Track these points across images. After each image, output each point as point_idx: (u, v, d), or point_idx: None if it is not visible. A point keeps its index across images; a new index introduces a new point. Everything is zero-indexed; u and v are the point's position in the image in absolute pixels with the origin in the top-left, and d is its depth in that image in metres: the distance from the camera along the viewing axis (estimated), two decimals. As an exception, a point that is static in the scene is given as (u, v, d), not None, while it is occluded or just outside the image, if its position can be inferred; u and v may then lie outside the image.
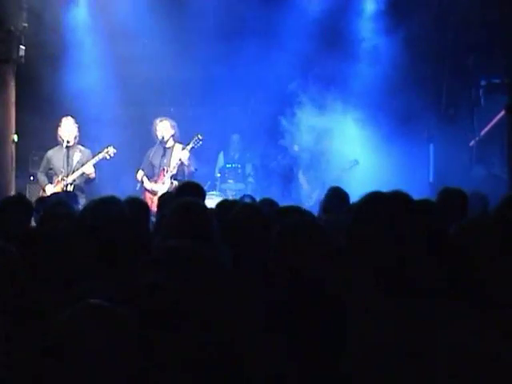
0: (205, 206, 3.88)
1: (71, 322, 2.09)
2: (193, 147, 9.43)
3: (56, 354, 2.05)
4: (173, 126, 9.57)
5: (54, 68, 10.81)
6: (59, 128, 9.29)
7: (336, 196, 5.51)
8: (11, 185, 9.89)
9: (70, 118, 9.34)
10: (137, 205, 5.20)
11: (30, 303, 2.90)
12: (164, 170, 9.45)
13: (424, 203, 3.78)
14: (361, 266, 2.74)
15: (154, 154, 9.56)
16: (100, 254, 3.39)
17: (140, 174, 9.57)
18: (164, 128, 9.53)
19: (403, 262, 2.69)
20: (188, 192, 5.19)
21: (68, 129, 9.24)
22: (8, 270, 2.88)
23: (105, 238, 3.49)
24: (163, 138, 9.48)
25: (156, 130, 9.58)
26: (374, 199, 2.94)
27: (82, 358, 2.03)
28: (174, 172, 9.39)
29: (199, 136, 9.47)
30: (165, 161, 9.47)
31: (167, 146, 9.54)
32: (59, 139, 9.28)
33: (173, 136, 9.55)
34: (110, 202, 4.65)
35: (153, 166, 9.56)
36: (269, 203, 5.30)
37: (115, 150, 9.33)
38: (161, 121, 9.60)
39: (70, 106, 10.31)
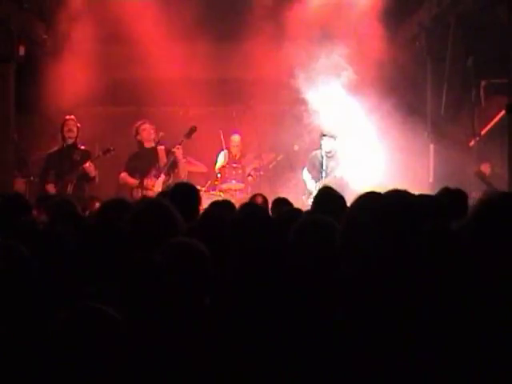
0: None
1: (65, 324, 2.10)
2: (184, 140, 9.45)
3: (52, 355, 2.06)
4: (153, 129, 9.58)
5: (53, 68, 10.82)
6: (61, 128, 9.30)
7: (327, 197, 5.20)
8: (11, 185, 9.89)
9: (72, 117, 9.36)
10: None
11: (40, 302, 2.90)
12: (151, 172, 9.41)
13: (424, 200, 3.78)
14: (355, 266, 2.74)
15: (136, 157, 9.56)
16: (106, 254, 3.38)
17: (124, 175, 9.55)
18: (145, 131, 9.54)
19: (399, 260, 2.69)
20: (181, 195, 5.16)
21: (70, 129, 9.25)
22: (19, 270, 2.87)
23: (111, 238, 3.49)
24: (143, 141, 9.50)
25: (137, 133, 9.58)
26: (368, 198, 2.93)
27: (76, 358, 2.04)
28: (164, 177, 9.36)
29: (193, 127, 9.50)
30: (150, 164, 9.44)
31: (149, 148, 9.55)
32: (60, 139, 9.29)
33: (154, 139, 9.57)
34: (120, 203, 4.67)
35: (135, 169, 9.52)
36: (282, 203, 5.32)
37: (114, 150, 9.35)
38: (142, 124, 9.61)
39: (70, 106, 10.32)
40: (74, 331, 2.09)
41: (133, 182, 9.44)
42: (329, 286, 2.75)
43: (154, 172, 9.41)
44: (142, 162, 9.47)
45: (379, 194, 2.99)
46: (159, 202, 3.85)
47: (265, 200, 6.68)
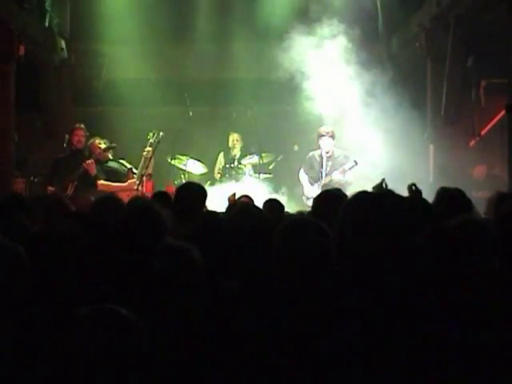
0: None
1: (81, 327, 2.05)
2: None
3: (66, 358, 2.02)
4: (99, 146, 9.48)
5: (53, 68, 10.83)
6: (70, 135, 9.31)
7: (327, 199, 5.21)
8: (11, 185, 9.89)
9: (82, 126, 9.37)
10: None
11: (37, 303, 2.89)
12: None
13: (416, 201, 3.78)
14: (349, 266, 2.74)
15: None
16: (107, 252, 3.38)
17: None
18: (94, 146, 9.49)
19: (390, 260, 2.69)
20: (189, 194, 5.16)
21: (79, 139, 9.27)
22: (16, 270, 2.87)
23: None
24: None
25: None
26: (361, 199, 2.93)
27: (92, 362, 2.00)
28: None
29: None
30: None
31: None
32: (70, 146, 9.31)
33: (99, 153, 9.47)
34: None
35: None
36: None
37: (116, 147, 9.36)
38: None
39: (70, 106, 10.33)
40: (93, 333, 2.02)
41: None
42: (318, 286, 2.75)
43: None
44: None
45: (371, 193, 3.00)
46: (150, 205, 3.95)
47: (250, 201, 6.62)
